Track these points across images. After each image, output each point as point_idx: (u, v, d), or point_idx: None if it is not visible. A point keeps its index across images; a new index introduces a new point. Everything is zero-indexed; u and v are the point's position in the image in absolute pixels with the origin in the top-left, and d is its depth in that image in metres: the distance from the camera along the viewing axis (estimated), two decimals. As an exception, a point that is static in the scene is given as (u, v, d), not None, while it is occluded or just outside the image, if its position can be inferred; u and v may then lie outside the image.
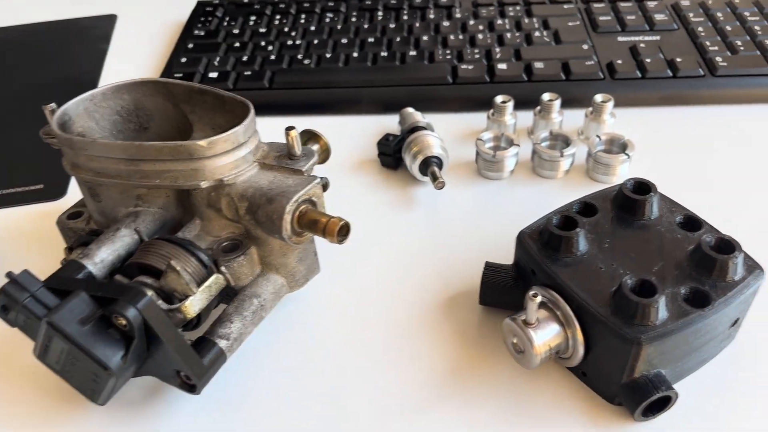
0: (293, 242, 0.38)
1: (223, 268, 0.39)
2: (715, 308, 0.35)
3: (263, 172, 0.40)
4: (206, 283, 0.38)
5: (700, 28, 0.64)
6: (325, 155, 0.51)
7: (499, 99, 0.55)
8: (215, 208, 0.40)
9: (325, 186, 0.48)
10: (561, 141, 0.53)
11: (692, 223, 0.40)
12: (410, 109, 0.57)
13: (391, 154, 0.54)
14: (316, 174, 0.47)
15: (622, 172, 0.51)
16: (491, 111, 0.56)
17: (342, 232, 0.37)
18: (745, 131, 0.56)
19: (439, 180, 0.49)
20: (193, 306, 0.37)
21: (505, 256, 0.43)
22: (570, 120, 0.57)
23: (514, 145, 0.52)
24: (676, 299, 0.35)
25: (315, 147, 0.50)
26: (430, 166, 0.50)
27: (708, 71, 0.59)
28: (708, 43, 0.62)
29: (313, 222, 0.37)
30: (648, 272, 0.37)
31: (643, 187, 0.41)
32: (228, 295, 0.41)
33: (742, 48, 0.61)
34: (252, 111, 0.40)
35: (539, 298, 0.36)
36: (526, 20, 0.67)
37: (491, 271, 0.42)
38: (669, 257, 0.38)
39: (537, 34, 0.65)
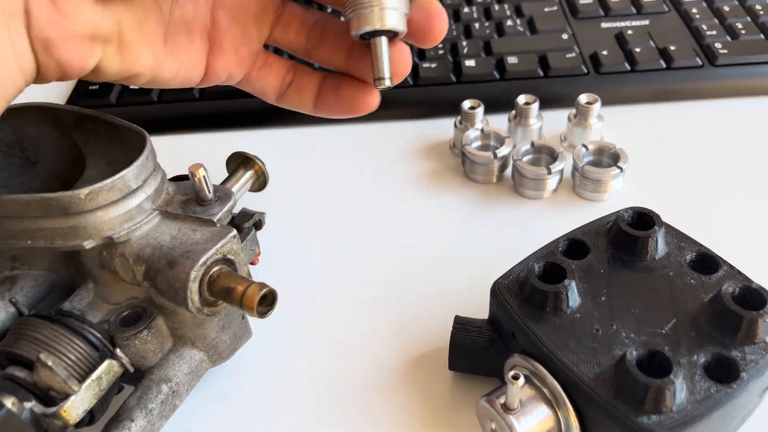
0: (205, 314, 0.30)
1: (118, 352, 0.30)
2: (744, 382, 0.27)
3: (166, 224, 0.31)
4: (93, 375, 0.29)
5: (694, 10, 0.56)
6: (260, 182, 0.43)
7: (466, 105, 0.47)
8: (110, 269, 0.32)
9: (258, 224, 0.39)
10: (545, 154, 0.45)
11: (707, 262, 0.32)
12: None
13: None
14: (252, 210, 0.38)
15: (614, 187, 0.43)
16: (458, 118, 0.48)
17: (265, 301, 0.29)
18: (755, 128, 0.48)
19: (381, 80, 0.30)
20: (75, 409, 0.28)
21: (481, 302, 0.36)
22: (551, 123, 0.49)
23: (505, 145, 0.44)
24: (694, 372, 0.28)
25: (246, 174, 0.41)
26: (376, 46, 0.30)
27: (706, 60, 0.51)
28: (704, 26, 0.54)
29: (226, 290, 0.29)
30: (657, 335, 0.29)
31: (644, 219, 0.33)
32: (133, 377, 0.33)
33: (743, 31, 0.53)
34: (149, 145, 0.32)
35: (521, 382, 0.28)
36: (497, 7, 0.59)
37: (461, 329, 0.33)
38: (681, 311, 0.30)
39: (509, 23, 0.56)
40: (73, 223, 0.30)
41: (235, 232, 0.30)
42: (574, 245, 0.34)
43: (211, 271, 0.29)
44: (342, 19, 0.31)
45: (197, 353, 0.33)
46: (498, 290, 0.32)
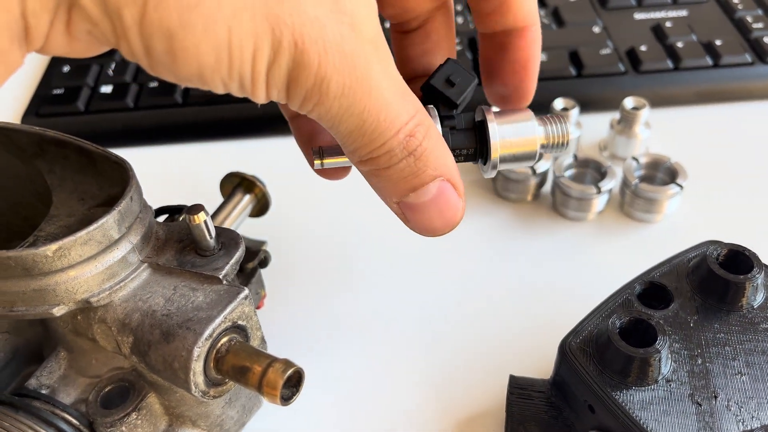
0: (211, 397, 0.24)
1: (100, 445, 0.24)
2: None
3: (157, 281, 0.25)
4: (70, 481, 0.23)
5: (735, -1, 0.50)
6: (261, 207, 0.36)
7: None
8: (87, 336, 0.25)
9: (263, 262, 0.33)
10: (591, 169, 0.39)
11: (815, 311, 0.27)
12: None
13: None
14: (253, 238, 0.32)
15: (671, 208, 0.37)
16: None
17: (289, 383, 0.23)
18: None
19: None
20: None
21: (529, 350, 0.30)
22: (587, 129, 0.43)
23: (544, 159, 0.38)
24: (826, 458, 0.22)
25: (245, 199, 0.35)
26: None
27: (756, 57, 0.46)
28: (749, 18, 0.48)
29: (239, 370, 0.23)
30: (773, 410, 0.24)
31: (737, 258, 0.28)
32: (120, 465, 0.26)
33: (792, 23, 0.47)
34: (133, 180, 0.25)
35: (618, 481, 0.22)
36: (515, -5, 0.52)
37: (521, 396, 0.28)
38: (796, 376, 0.25)
39: (532, 13, 0.50)
40: (38, 286, 0.23)
41: (246, 292, 0.24)
42: (653, 290, 0.28)
43: (219, 345, 0.23)
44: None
45: (199, 434, 0.27)
46: (569, 351, 0.26)
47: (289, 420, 0.31)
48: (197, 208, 0.24)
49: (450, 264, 0.37)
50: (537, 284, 0.36)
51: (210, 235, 0.25)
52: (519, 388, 0.28)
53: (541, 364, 0.31)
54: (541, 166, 0.38)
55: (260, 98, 0.20)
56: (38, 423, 0.24)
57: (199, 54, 0.19)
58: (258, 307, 0.33)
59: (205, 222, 0.24)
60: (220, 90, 0.20)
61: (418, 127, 0.22)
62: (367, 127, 0.21)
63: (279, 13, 0.19)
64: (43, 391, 0.25)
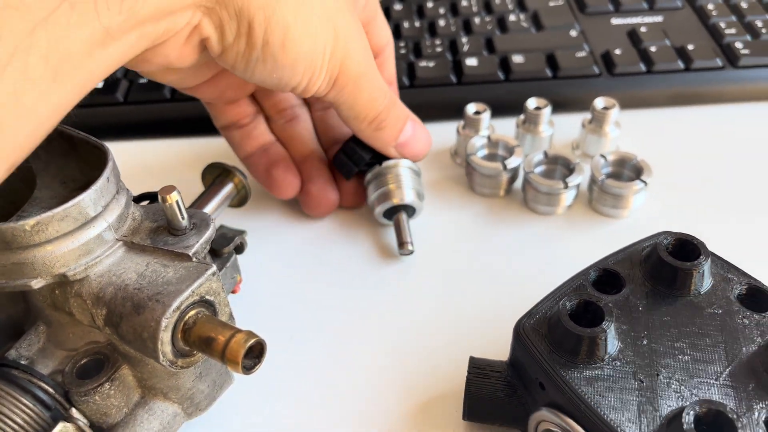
0: (179, 367, 0.25)
1: (74, 412, 0.25)
2: (816, 444, 0.24)
3: (131, 258, 0.26)
4: (44, 443, 0.24)
5: (710, 6, 0.52)
6: (241, 197, 0.38)
7: (471, 109, 0.43)
8: (65, 311, 0.27)
9: (239, 248, 0.34)
10: (560, 165, 0.40)
11: (759, 297, 0.28)
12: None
13: (357, 163, 0.38)
14: (234, 228, 0.34)
15: (636, 203, 0.39)
16: (461, 124, 0.43)
17: (251, 353, 0.24)
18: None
19: (405, 245, 0.37)
20: (19, 487, 0.23)
21: (494, 337, 0.31)
22: (560, 129, 0.45)
23: (515, 155, 0.40)
24: (754, 429, 0.24)
25: (225, 189, 0.37)
26: (398, 215, 0.38)
27: (727, 61, 0.47)
28: (722, 24, 0.50)
29: (205, 341, 0.24)
30: (711, 386, 0.25)
31: (686, 247, 0.29)
32: (94, 435, 0.28)
33: (764, 30, 0.49)
34: (110, 163, 0.27)
35: (558, 449, 0.23)
36: (497, 0, 0.54)
37: (478, 375, 0.29)
38: (735, 356, 0.26)
39: (512, 17, 0.52)
40: (17, 259, 0.24)
41: (214, 268, 0.25)
42: (607, 276, 0.30)
43: (186, 317, 0.24)
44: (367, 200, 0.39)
45: (170, 406, 0.28)
46: (523, 332, 0.28)
47: (259, 398, 0.32)
48: (169, 189, 0.26)
49: (421, 255, 0.38)
50: (505, 274, 0.37)
51: (182, 215, 0.26)
52: (477, 369, 0.29)
53: (504, 349, 0.32)
54: (512, 162, 0.40)
55: (312, 91, 0.31)
56: (16, 390, 0.25)
57: (301, 42, 0.28)
58: (234, 292, 0.35)
59: (177, 202, 0.26)
60: (293, 84, 0.30)
61: (389, 91, 0.35)
62: (374, 98, 0.34)
63: (338, 22, 0.29)
64: (22, 362, 0.27)
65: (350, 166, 0.38)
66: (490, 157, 0.42)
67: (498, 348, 0.31)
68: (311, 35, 0.28)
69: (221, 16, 0.26)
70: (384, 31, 0.38)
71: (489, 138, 0.41)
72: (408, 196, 0.37)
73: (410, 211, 0.39)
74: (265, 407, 0.32)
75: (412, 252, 0.37)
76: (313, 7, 0.28)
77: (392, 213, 0.38)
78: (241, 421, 0.31)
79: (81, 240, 0.25)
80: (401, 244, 0.37)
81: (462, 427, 0.30)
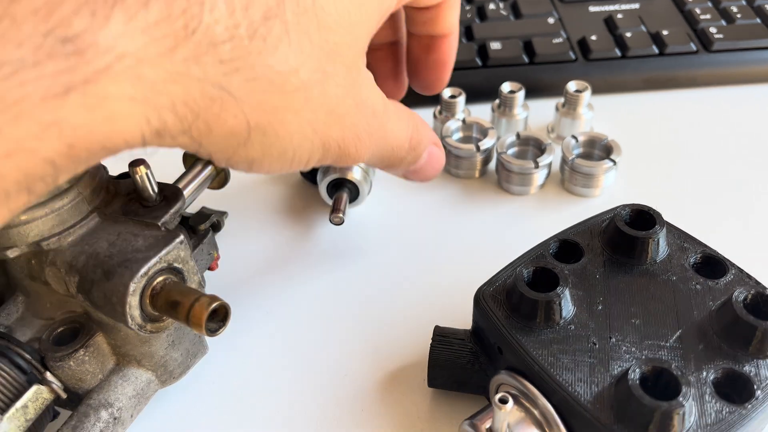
0: (148, 332, 0.26)
1: (48, 375, 0.27)
2: (759, 401, 0.24)
3: (104, 228, 0.27)
4: (18, 404, 0.25)
5: (686, -8, 0.52)
6: (221, 179, 0.39)
7: (447, 93, 0.44)
8: (41, 280, 0.28)
9: (216, 226, 0.35)
10: (532, 146, 0.41)
11: (713, 265, 0.29)
12: None
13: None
14: (212, 210, 0.35)
15: (607, 182, 0.40)
16: (438, 108, 0.44)
17: (216, 317, 0.25)
18: (754, 117, 0.45)
19: (337, 212, 0.37)
20: (-6, 444, 0.24)
21: (464, 310, 0.32)
22: (537, 113, 0.46)
23: (489, 137, 0.41)
24: (703, 391, 0.25)
25: (205, 171, 0.37)
26: (339, 190, 0.39)
27: (701, 46, 0.48)
28: (698, 10, 0.50)
29: (171, 305, 0.25)
30: (661, 348, 0.26)
31: (643, 218, 0.30)
32: (70, 401, 0.29)
33: (738, 15, 0.50)
34: (84, 138, 0.28)
35: (510, 405, 0.24)
36: (478, -10, 0.55)
37: (442, 342, 0.30)
38: (687, 321, 0.27)
39: (492, 6, 0.53)
40: (-7, 228, 0.26)
41: (182, 237, 0.26)
42: (567, 247, 0.30)
43: (154, 283, 0.26)
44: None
45: (144, 373, 0.29)
46: (482, 299, 0.28)
47: (233, 369, 0.33)
48: (139, 162, 0.27)
49: (396, 233, 0.39)
50: (477, 250, 0.38)
51: (152, 187, 0.27)
52: (441, 336, 0.30)
53: (468, 319, 0.33)
54: (485, 143, 0.40)
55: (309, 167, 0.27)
56: (-9, 355, 0.26)
57: (271, 167, 0.25)
58: (211, 268, 0.36)
59: (147, 174, 0.27)
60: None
61: (414, 135, 0.31)
62: (388, 157, 0.30)
63: (327, 132, 0.26)
64: (1, 330, 0.28)
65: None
66: (465, 139, 0.43)
67: (466, 318, 0.32)
68: (285, 160, 0.25)
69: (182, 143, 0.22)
70: (449, 19, 0.33)
71: (464, 121, 0.42)
72: (355, 173, 0.38)
73: (354, 192, 0.39)
74: (238, 377, 0.33)
75: (342, 221, 0.37)
76: (290, 140, 0.24)
77: (336, 190, 0.39)
78: (215, 389, 0.32)
79: (54, 210, 0.26)
80: (333, 210, 0.37)
81: (427, 393, 0.31)
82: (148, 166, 0.27)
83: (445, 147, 0.41)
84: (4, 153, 0.17)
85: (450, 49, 0.35)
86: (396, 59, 0.36)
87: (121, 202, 0.28)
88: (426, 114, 0.46)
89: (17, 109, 0.17)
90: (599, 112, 0.45)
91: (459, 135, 0.43)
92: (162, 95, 0.20)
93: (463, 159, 0.41)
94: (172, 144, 0.21)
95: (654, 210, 0.30)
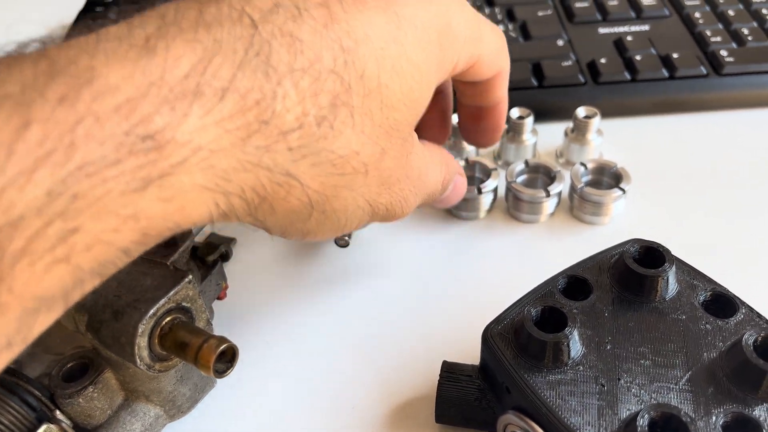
0: (157, 371, 0.26)
1: (58, 414, 0.27)
2: (770, 447, 0.24)
3: (113, 266, 0.27)
4: (28, 443, 0.26)
5: (696, 14, 0.52)
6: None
7: (455, 119, 0.43)
8: (51, 316, 0.28)
9: (225, 256, 0.36)
10: (542, 174, 0.41)
11: (724, 303, 0.29)
12: None
13: None
14: (224, 236, 0.35)
15: (616, 210, 0.39)
16: (447, 134, 0.44)
17: (224, 358, 0.25)
18: (766, 142, 0.45)
19: (342, 235, 0.36)
20: (4, 484, 0.24)
21: (473, 344, 0.32)
22: (545, 138, 0.46)
23: (492, 179, 0.40)
24: (713, 435, 0.24)
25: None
26: None
27: (712, 69, 0.48)
28: (708, 32, 0.50)
29: (180, 345, 0.25)
30: (670, 391, 0.26)
31: (652, 254, 0.30)
32: (80, 435, 0.29)
33: (749, 38, 0.49)
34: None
35: (517, 451, 0.24)
36: (487, 10, 0.55)
37: (449, 379, 0.30)
38: (696, 362, 0.27)
39: (501, 27, 0.53)
40: (3, 268, 0.26)
41: (190, 276, 0.26)
42: (575, 283, 0.30)
43: (163, 323, 0.26)
44: None
45: (152, 408, 0.29)
46: (490, 337, 0.28)
47: (240, 402, 0.33)
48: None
49: (404, 265, 0.39)
50: (485, 281, 0.38)
51: (160, 225, 0.28)
52: (449, 372, 0.30)
53: (476, 353, 0.33)
54: (489, 185, 0.39)
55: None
56: (2, 392, 0.26)
57: (323, 236, 0.26)
58: (220, 298, 0.36)
59: (155, 213, 0.27)
60: None
61: (446, 176, 0.33)
62: (423, 201, 0.32)
63: (378, 200, 0.27)
64: (11, 365, 0.28)
65: None
66: (468, 180, 0.42)
67: (475, 352, 0.32)
68: (335, 229, 0.26)
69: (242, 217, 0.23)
70: (499, 92, 0.34)
71: (467, 160, 0.42)
72: None
73: None
74: (246, 410, 0.33)
75: (347, 244, 0.38)
76: (344, 214, 0.26)
77: None
78: (223, 423, 0.32)
79: (64, 249, 0.26)
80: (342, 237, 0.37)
81: (434, 429, 0.31)
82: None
83: None
84: (84, 247, 0.18)
85: (500, 117, 0.36)
86: (442, 109, 0.36)
87: (131, 238, 0.29)
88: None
89: (99, 205, 0.17)
90: (608, 136, 0.45)
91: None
92: (232, 183, 0.20)
93: (463, 201, 0.40)
94: (235, 221, 0.22)
95: (663, 247, 0.30)
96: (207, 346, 0.25)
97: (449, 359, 0.31)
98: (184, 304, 0.26)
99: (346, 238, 0.37)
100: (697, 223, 0.40)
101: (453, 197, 0.36)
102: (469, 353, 0.32)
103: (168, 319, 0.26)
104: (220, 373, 0.25)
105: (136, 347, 0.25)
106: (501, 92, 0.34)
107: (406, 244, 0.40)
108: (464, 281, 0.38)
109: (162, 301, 0.25)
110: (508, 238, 0.40)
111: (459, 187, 0.36)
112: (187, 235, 0.28)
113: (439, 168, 0.32)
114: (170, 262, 0.27)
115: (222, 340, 0.25)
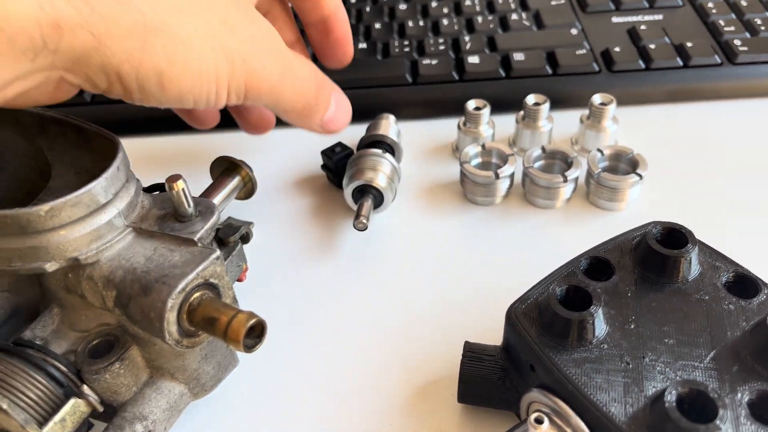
0: (185, 347, 0.26)
1: (85, 389, 0.27)
2: (796, 424, 0.24)
3: (140, 243, 0.28)
4: (56, 417, 0.26)
5: (710, 4, 0.52)
6: (248, 190, 0.39)
7: (471, 105, 0.44)
8: (77, 293, 0.28)
9: (245, 238, 0.36)
10: (559, 160, 0.41)
11: (746, 284, 0.29)
12: (387, 119, 0.44)
13: (333, 169, 0.42)
14: (241, 220, 0.35)
15: (632, 196, 0.40)
16: (462, 120, 0.44)
17: (252, 333, 0.25)
18: (776, 132, 0.45)
19: (360, 218, 0.37)
20: (33, 458, 0.25)
21: (493, 325, 0.32)
22: (561, 125, 0.46)
23: (509, 164, 0.40)
24: (738, 413, 0.25)
25: (233, 181, 0.38)
26: (364, 196, 0.39)
27: (726, 58, 0.48)
28: (722, 22, 0.50)
29: (209, 320, 0.25)
30: (695, 369, 0.26)
31: (675, 236, 0.30)
32: (105, 413, 0.29)
33: (762, 27, 0.49)
34: (120, 153, 0.28)
35: (546, 425, 0.24)
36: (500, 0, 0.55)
37: (472, 358, 0.30)
38: (721, 341, 0.27)
39: (514, 16, 0.53)
40: (32, 243, 0.26)
41: (218, 252, 0.27)
42: (598, 264, 0.30)
43: (191, 298, 0.26)
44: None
45: (177, 386, 0.29)
46: (514, 316, 0.29)
47: (262, 381, 0.33)
48: (176, 177, 0.27)
49: (423, 249, 0.39)
50: (503, 264, 0.38)
51: (188, 202, 0.28)
52: (471, 352, 0.30)
53: (500, 334, 0.33)
54: (505, 171, 0.40)
55: (221, 106, 0.28)
56: (30, 368, 0.27)
57: (181, 81, 0.26)
58: (240, 280, 0.36)
59: (183, 190, 0.27)
60: (190, 106, 0.27)
61: (316, 76, 0.33)
62: (301, 96, 0.32)
63: (226, 42, 0.27)
64: (37, 342, 0.28)
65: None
66: (484, 165, 0.42)
67: (495, 334, 0.32)
68: (193, 72, 0.26)
69: (86, 71, 0.24)
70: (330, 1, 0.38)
71: (483, 146, 0.42)
72: (380, 179, 0.39)
73: (378, 198, 0.39)
74: (268, 390, 0.33)
75: (365, 227, 0.37)
76: (191, 44, 0.25)
77: (360, 196, 0.39)
78: (245, 402, 0.32)
79: (92, 225, 0.26)
80: (356, 216, 0.37)
81: (457, 409, 0.31)
82: (185, 181, 0.27)
83: (463, 173, 0.41)
84: None
85: (342, 25, 0.39)
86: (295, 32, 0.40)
87: (156, 216, 0.29)
88: (450, 124, 0.46)
89: None
90: (623, 124, 0.45)
91: (478, 161, 0.43)
92: None
93: (482, 186, 0.40)
94: (73, 42, 0.22)
95: (686, 228, 0.30)
96: (236, 320, 0.25)
97: (468, 338, 0.32)
98: (211, 280, 0.27)
99: (364, 221, 0.37)
100: (712, 209, 0.40)
101: (340, 115, 0.36)
102: (488, 335, 0.32)
103: (196, 294, 0.26)
104: (249, 348, 0.25)
105: (165, 322, 0.25)
106: (332, 1, 0.38)
107: (423, 229, 0.41)
108: (482, 266, 0.38)
109: (191, 276, 0.26)
110: (524, 223, 0.40)
111: (342, 102, 0.36)
112: (212, 210, 0.28)
113: (309, 67, 0.33)
114: (197, 239, 0.27)
115: (251, 315, 0.25)
